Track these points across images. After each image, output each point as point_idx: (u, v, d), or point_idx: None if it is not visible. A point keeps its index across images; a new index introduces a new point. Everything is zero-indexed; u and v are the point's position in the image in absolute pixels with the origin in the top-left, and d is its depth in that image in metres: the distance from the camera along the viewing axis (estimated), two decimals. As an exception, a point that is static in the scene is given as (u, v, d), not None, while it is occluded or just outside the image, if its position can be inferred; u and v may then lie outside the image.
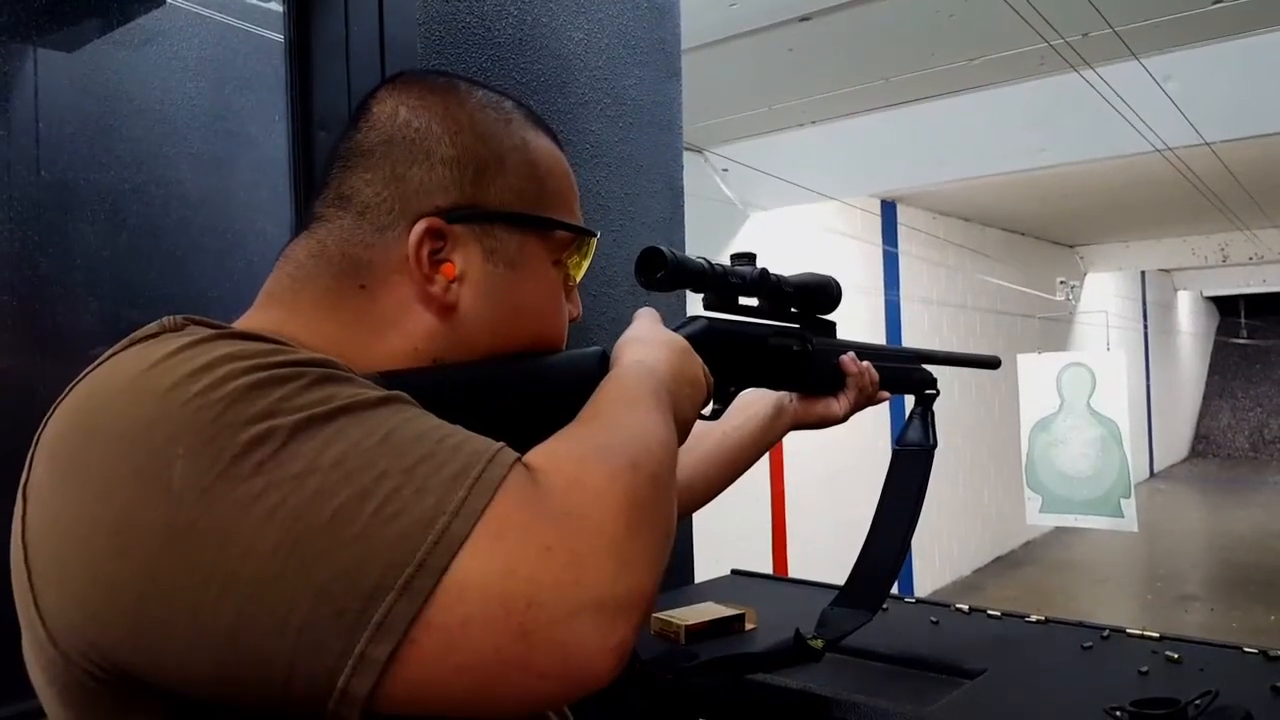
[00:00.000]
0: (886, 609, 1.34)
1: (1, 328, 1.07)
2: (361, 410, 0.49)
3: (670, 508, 0.55)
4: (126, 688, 0.48)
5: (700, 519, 1.55)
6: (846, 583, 1.09)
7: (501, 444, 0.51)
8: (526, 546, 0.46)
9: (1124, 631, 1.21)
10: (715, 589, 1.50)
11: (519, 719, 0.49)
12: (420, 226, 0.62)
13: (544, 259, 0.69)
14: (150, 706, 0.49)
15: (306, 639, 0.43)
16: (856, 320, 6.92)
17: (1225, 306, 18.05)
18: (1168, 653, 1.11)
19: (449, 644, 0.44)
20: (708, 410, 0.85)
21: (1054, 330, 9.94)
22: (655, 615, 1.27)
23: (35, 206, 1.09)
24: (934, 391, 1.13)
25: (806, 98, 4.71)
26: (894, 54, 4.15)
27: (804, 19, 3.62)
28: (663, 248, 0.80)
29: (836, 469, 6.01)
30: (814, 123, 5.19)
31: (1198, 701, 0.88)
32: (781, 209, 5.88)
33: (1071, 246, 10.79)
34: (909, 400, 1.14)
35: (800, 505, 5.66)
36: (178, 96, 1.21)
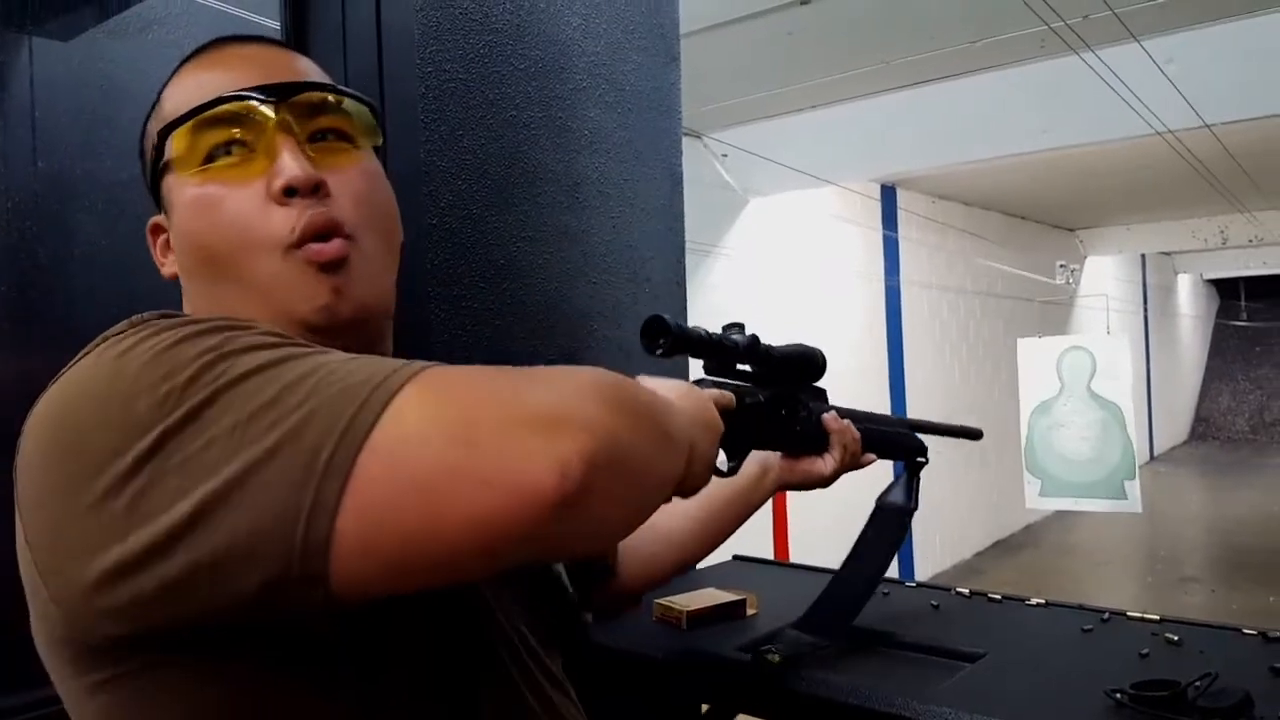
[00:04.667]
0: (887, 593, 1.34)
1: (0, 318, 1.07)
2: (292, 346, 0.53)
3: (650, 424, 0.55)
4: (125, 639, 0.50)
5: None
6: (810, 610, 1.13)
7: None
8: (470, 380, 0.50)
9: (1124, 614, 1.21)
10: (717, 574, 1.50)
11: (473, 557, 0.48)
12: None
13: (184, 177, 0.65)
14: (155, 660, 0.51)
15: (262, 498, 0.46)
16: (857, 306, 6.91)
17: (1225, 289, 18.03)
18: (1167, 635, 1.11)
19: (392, 462, 0.46)
20: (725, 466, 0.89)
21: (1054, 314, 9.94)
22: (657, 601, 1.27)
23: (33, 197, 1.09)
24: (924, 460, 1.16)
25: (806, 82, 4.69)
26: (894, 37, 4.13)
27: (804, 2, 3.60)
28: (666, 317, 0.81)
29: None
30: (814, 107, 5.17)
31: (1197, 683, 0.89)
32: (781, 194, 5.86)
33: (1071, 230, 10.77)
34: None
35: (801, 494, 5.66)
36: (174, 85, 1.20)
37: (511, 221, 1.26)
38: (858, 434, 1.06)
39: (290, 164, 0.63)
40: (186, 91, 0.66)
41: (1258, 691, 0.88)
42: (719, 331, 0.90)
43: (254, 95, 0.63)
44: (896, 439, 1.14)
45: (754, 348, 0.91)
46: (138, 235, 0.72)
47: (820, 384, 1.05)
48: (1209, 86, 4.22)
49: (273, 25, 1.25)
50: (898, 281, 7.28)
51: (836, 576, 1.15)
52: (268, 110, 0.64)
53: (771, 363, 0.94)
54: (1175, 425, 15.50)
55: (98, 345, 0.54)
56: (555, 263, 1.32)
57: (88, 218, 1.13)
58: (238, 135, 0.64)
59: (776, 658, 1.04)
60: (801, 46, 4.10)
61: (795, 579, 1.50)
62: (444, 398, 0.48)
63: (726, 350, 0.89)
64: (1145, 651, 1.06)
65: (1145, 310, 13.32)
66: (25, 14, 1.11)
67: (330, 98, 0.67)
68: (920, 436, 1.18)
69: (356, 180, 0.67)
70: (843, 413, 1.06)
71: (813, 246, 6.39)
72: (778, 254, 6.01)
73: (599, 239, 1.40)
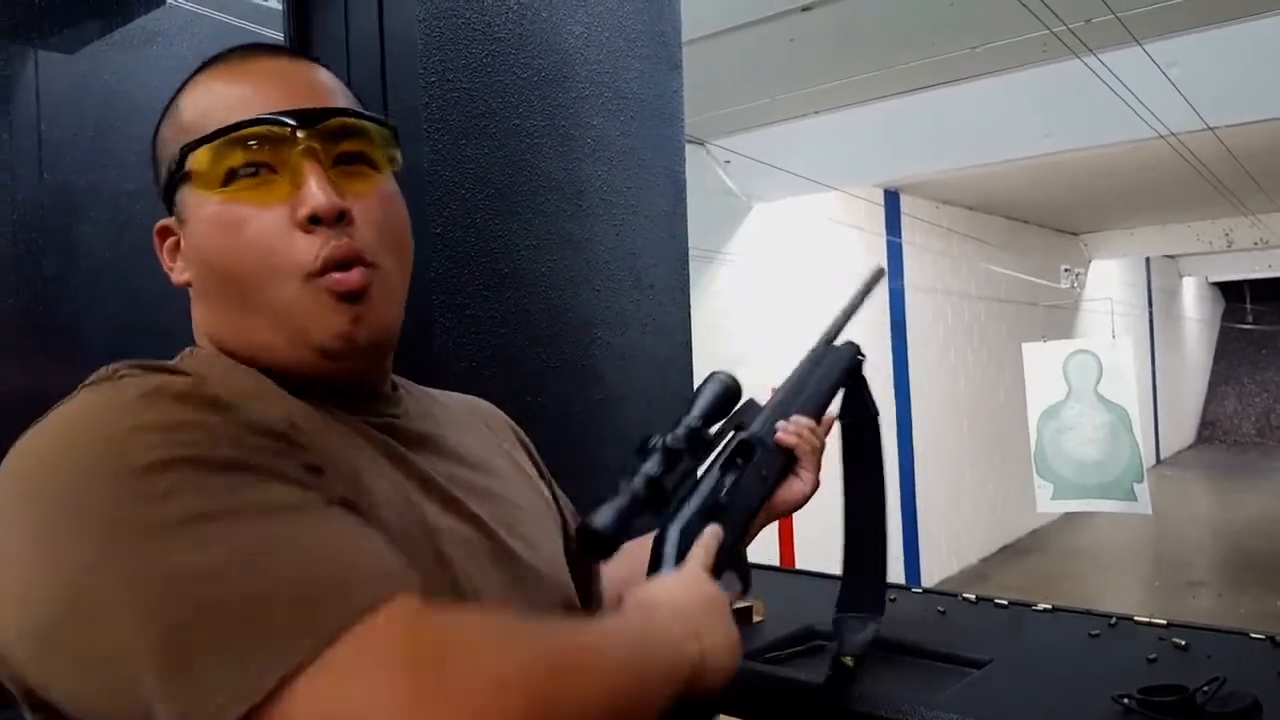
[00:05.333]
0: (894, 599, 1.34)
1: (5, 330, 1.08)
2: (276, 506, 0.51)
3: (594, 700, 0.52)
4: (45, 708, 0.51)
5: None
6: (845, 586, 1.07)
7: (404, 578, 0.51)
8: (408, 646, 0.47)
9: (1131, 619, 1.21)
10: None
11: None
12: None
13: (204, 194, 0.64)
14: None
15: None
16: (860, 311, 6.90)
17: (1230, 292, 17.96)
18: (1175, 640, 1.11)
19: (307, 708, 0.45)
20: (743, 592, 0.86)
21: (1058, 318, 9.92)
22: (663, 608, 1.27)
23: (38, 209, 1.10)
24: (861, 358, 1.09)
25: (808, 88, 4.70)
26: (896, 43, 4.13)
27: (805, 9, 3.61)
28: (594, 525, 0.73)
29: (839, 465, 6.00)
30: (816, 113, 5.18)
31: (1205, 688, 0.88)
32: (784, 200, 5.87)
33: (1075, 234, 10.76)
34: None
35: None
36: (179, 96, 1.21)
37: (515, 230, 1.26)
38: (811, 422, 0.96)
39: (316, 193, 0.62)
40: (210, 103, 0.65)
41: (1266, 696, 0.88)
42: (639, 475, 0.78)
43: (282, 119, 0.63)
44: (831, 374, 1.04)
45: (679, 443, 0.80)
46: (143, 247, 0.72)
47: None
48: (1212, 89, 4.21)
49: (276, 36, 1.25)
50: (901, 286, 7.27)
51: (851, 530, 1.08)
52: (295, 135, 0.63)
53: (701, 433, 0.84)
54: (1181, 429, 15.45)
55: (76, 396, 0.55)
56: (559, 271, 1.33)
57: (93, 229, 1.14)
58: (262, 157, 0.63)
59: (851, 660, 0.98)
60: (804, 52, 4.10)
61: (801, 585, 1.49)
62: (367, 669, 0.45)
63: (659, 483, 0.78)
64: (1153, 656, 1.06)
65: (1150, 313, 13.29)
66: (31, 27, 1.12)
67: (356, 122, 0.66)
68: (844, 341, 1.09)
69: (377, 206, 0.66)
70: (776, 410, 0.96)
71: (816, 252, 6.39)
72: (781, 259, 6.01)
73: (602, 246, 1.41)
